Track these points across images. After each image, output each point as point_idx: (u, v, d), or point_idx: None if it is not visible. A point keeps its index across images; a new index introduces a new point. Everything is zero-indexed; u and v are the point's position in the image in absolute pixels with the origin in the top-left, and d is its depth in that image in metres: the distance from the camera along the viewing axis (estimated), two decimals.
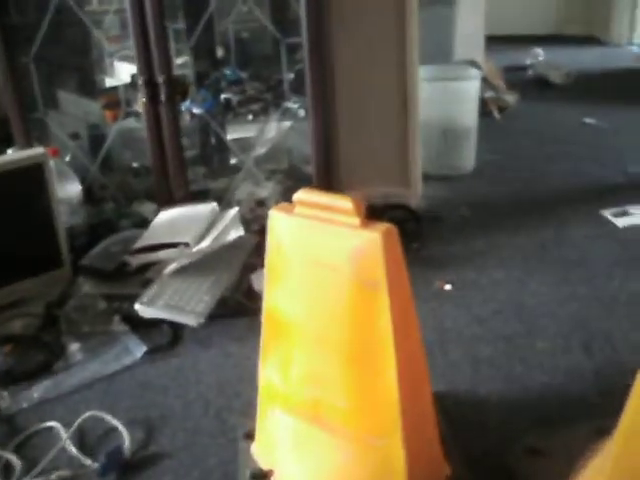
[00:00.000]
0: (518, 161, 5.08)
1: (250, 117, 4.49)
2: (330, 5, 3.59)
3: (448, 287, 3.34)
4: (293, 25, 3.67)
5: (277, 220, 1.89)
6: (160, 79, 3.55)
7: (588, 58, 8.43)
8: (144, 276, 3.30)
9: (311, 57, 3.53)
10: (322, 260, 1.80)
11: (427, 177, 4.25)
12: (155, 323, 3.09)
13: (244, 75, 4.56)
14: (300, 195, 1.83)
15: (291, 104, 4.16)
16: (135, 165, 4.41)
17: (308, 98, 3.63)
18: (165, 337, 3.05)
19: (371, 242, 1.69)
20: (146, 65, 3.55)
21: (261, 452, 2.25)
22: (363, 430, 1.93)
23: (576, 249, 3.72)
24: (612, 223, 3.97)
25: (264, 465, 2.20)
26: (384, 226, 1.71)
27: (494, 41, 6.85)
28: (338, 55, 3.70)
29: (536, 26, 9.36)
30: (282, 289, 1.93)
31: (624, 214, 4.04)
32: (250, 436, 2.31)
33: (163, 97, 3.57)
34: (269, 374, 2.08)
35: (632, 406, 1.60)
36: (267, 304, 1.99)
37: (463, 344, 2.92)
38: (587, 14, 9.55)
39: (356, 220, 1.72)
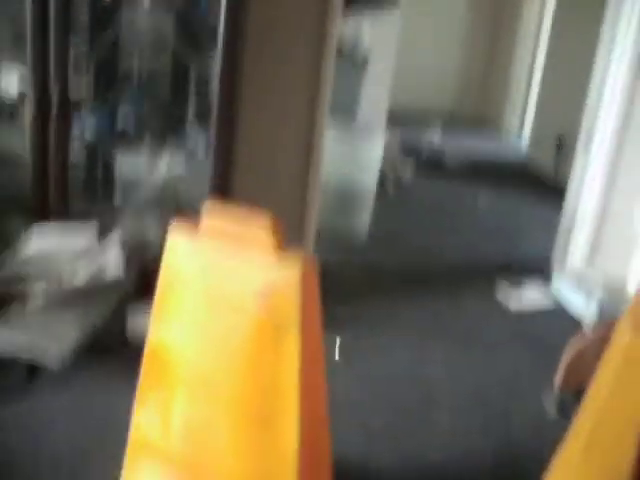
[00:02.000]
0: (412, 232, 4.99)
1: (145, 148, 4.18)
2: (245, 57, 3.41)
3: (337, 352, 3.11)
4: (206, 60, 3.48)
5: (175, 244, 1.62)
6: (54, 95, 3.24)
7: (481, 146, 8.56)
8: (5, 308, 2.91)
9: (221, 91, 3.31)
10: (226, 294, 1.53)
11: (321, 241, 4.04)
12: (9, 360, 2.69)
13: (146, 105, 4.26)
14: (207, 213, 1.57)
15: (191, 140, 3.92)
16: None
17: (212, 136, 3.40)
18: (19, 375, 2.66)
19: (287, 279, 1.44)
20: (40, 79, 3.25)
21: None
22: None
23: (470, 323, 3.62)
24: (505, 300, 3.89)
25: None
26: (301, 258, 1.47)
27: (394, 113, 6.86)
28: (247, 97, 3.50)
29: (435, 101, 9.50)
30: (172, 323, 1.64)
31: (516, 292, 3.99)
32: None
33: (55, 112, 3.25)
34: (143, 422, 1.75)
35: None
36: (151, 339, 1.69)
37: (355, 413, 2.68)
38: (483, 96, 9.79)
39: (271, 250, 1.47)
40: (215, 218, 1.56)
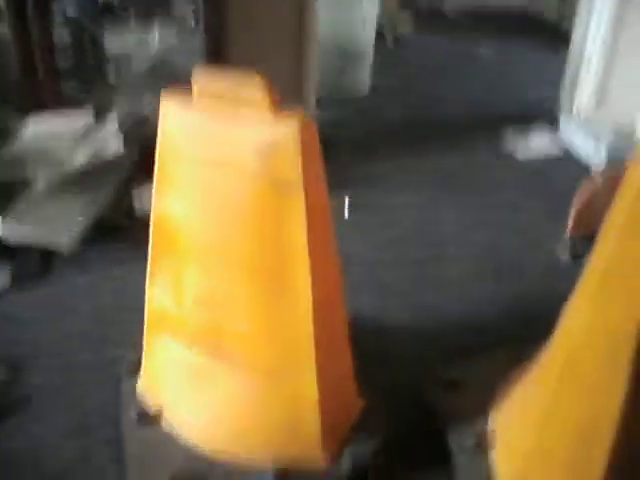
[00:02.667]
0: (414, 86, 4.86)
1: (132, 23, 4.03)
2: None
3: (347, 211, 3.10)
4: None
5: (170, 111, 1.57)
6: None
7: None
8: (11, 194, 2.89)
9: None
10: (224, 158, 1.49)
11: (322, 99, 3.96)
12: (23, 248, 2.71)
13: None
14: (198, 78, 1.51)
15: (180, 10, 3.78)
16: None
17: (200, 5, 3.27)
18: (35, 262, 2.67)
19: (286, 135, 1.40)
20: None
21: (148, 389, 1.94)
22: (270, 360, 1.66)
23: (478, 176, 3.58)
24: (513, 151, 3.83)
25: (152, 405, 1.90)
26: (299, 115, 1.42)
27: None
28: None
29: None
30: (174, 193, 1.61)
31: (525, 142, 3.92)
32: (134, 371, 2.00)
33: None
34: (158, 295, 1.76)
35: None
36: (156, 211, 1.67)
37: (368, 270, 2.70)
38: None
39: (266, 108, 1.42)
40: (207, 82, 1.50)
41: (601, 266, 1.46)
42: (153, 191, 1.65)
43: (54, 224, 2.71)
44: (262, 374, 1.67)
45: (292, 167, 1.41)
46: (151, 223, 1.69)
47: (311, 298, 1.51)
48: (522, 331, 2.29)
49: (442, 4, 7.08)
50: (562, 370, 1.58)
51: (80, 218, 2.74)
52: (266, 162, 1.44)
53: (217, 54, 3.30)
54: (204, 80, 1.50)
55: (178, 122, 1.55)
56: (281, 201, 1.45)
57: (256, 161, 1.45)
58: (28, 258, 2.68)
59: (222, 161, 1.51)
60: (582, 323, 1.52)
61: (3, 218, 2.68)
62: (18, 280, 2.58)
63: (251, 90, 1.42)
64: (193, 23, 3.70)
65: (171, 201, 1.63)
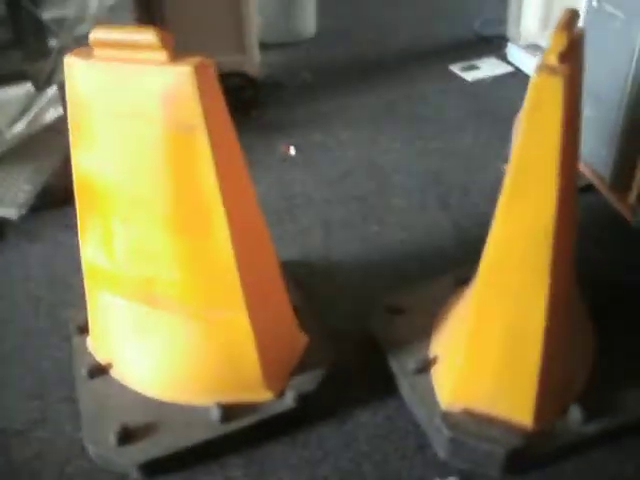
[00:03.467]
0: (361, 24, 4.78)
1: None
2: None
3: (293, 151, 3.12)
4: None
5: (74, 68, 1.57)
6: None
7: None
8: None
9: None
10: (130, 109, 1.51)
11: (265, 44, 3.91)
12: None
13: None
14: (96, 34, 1.52)
15: None
16: None
17: None
18: None
19: (182, 78, 1.41)
20: None
21: (96, 344, 1.99)
22: (203, 304, 1.70)
23: (426, 105, 3.57)
24: (461, 77, 3.83)
25: (101, 358, 1.96)
26: (196, 59, 1.43)
27: None
28: None
29: None
30: (90, 150, 1.63)
31: (472, 68, 3.92)
32: (83, 329, 2.05)
33: None
34: (91, 253, 1.80)
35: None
36: (77, 170, 1.69)
37: (314, 208, 2.73)
38: None
39: (163, 55, 1.43)
40: (104, 35, 1.51)
41: (512, 172, 1.50)
42: (71, 151, 1.67)
43: (1, 194, 2.72)
44: (196, 319, 1.72)
45: (192, 111, 1.43)
46: (74, 182, 1.71)
47: (230, 240, 1.55)
48: (468, 255, 2.33)
49: None
50: (487, 277, 1.63)
51: (27, 186, 2.75)
52: (168, 108, 1.46)
53: (149, 11, 3.27)
54: (101, 34, 1.50)
55: (83, 81, 1.56)
56: (188, 147, 1.48)
57: (159, 108, 1.46)
58: None
59: (130, 111, 1.52)
60: (501, 229, 1.57)
61: None
62: None
63: (146, 37, 1.43)
64: None
65: (89, 157, 1.65)
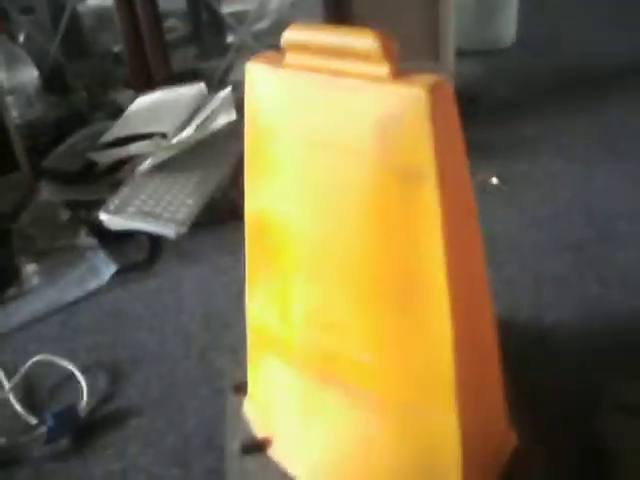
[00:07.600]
0: (569, 32, 4.24)
1: None
2: None
3: (494, 181, 2.66)
4: None
5: (258, 77, 1.21)
6: None
7: None
8: (115, 177, 2.66)
9: None
10: (329, 137, 1.12)
11: (460, 52, 3.48)
12: (129, 236, 2.48)
13: None
14: (292, 35, 1.13)
15: None
16: (116, 50, 3.73)
17: None
18: (141, 252, 2.43)
19: (410, 104, 1.00)
20: None
21: (255, 412, 1.63)
22: (396, 395, 1.28)
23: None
24: None
25: (259, 430, 1.59)
26: (430, 77, 1.02)
27: None
28: None
29: None
30: (268, 185, 1.26)
31: None
32: (241, 389, 1.69)
33: None
34: (260, 311, 1.43)
35: None
36: (249, 209, 1.33)
37: (520, 256, 2.26)
38: None
39: (384, 68, 1.03)
40: (304, 43, 1.12)
41: None
42: (245, 183, 1.31)
43: (161, 209, 2.45)
44: (383, 411, 1.31)
45: (421, 152, 1.01)
46: (245, 223, 1.35)
47: (450, 325, 1.12)
48: None
49: None
50: None
51: (190, 201, 2.46)
52: (384, 143, 1.05)
53: (337, 6, 2.93)
54: (299, 35, 1.12)
55: (268, 90, 1.18)
56: (407, 198, 1.06)
57: (371, 141, 1.06)
58: (134, 247, 2.44)
59: (329, 140, 1.13)
60: None
61: (106, 204, 2.45)
62: (123, 271, 2.34)
63: (363, 51, 1.03)
64: None
65: (266, 194, 1.28)
